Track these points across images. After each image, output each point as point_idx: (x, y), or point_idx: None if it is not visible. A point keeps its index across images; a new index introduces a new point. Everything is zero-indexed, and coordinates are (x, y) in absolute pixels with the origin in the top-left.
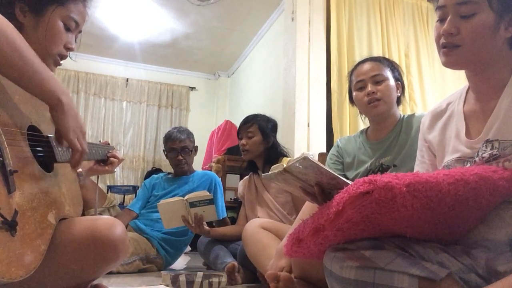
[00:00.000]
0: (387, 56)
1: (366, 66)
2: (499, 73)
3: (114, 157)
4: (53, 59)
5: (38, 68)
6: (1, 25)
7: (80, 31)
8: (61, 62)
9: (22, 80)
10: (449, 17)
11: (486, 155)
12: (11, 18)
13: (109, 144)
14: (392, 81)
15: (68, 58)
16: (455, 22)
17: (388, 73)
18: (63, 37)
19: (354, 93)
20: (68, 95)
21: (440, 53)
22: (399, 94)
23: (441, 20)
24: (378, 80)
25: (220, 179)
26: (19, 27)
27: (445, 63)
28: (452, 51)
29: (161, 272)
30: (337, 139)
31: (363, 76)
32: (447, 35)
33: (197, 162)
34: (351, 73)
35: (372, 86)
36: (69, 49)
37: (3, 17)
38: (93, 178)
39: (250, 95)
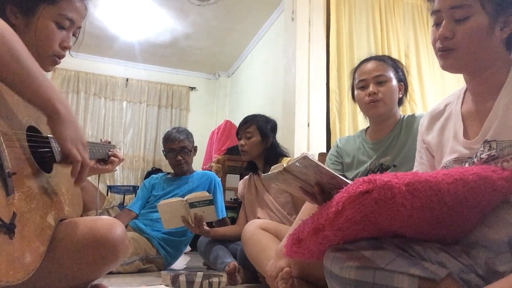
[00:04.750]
0: None
1: (370, 65)
2: (496, 74)
3: (115, 156)
4: (50, 60)
5: (35, 76)
6: (0, 29)
7: (80, 27)
8: (60, 60)
9: (18, 88)
10: (444, 21)
11: (484, 156)
12: (3, 20)
13: (109, 142)
14: (394, 82)
15: (68, 56)
16: (450, 26)
17: (392, 74)
18: (56, 36)
19: (355, 92)
20: (65, 104)
21: (437, 56)
22: (401, 96)
23: (437, 24)
24: (381, 80)
25: (220, 179)
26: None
27: (443, 66)
28: (449, 53)
29: (161, 272)
30: (336, 139)
31: (366, 76)
32: (442, 39)
33: (197, 162)
34: (354, 71)
35: (374, 86)
36: (65, 47)
37: (3, 22)
38: (94, 178)
39: (250, 95)
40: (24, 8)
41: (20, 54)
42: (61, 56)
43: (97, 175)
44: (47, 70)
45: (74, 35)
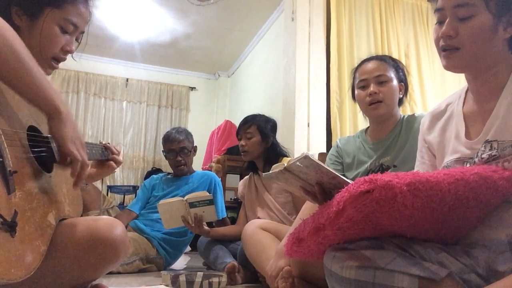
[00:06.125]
0: None
1: (371, 65)
2: (498, 74)
3: (115, 156)
4: (48, 63)
5: (37, 75)
6: (1, 29)
7: (83, 32)
8: (58, 65)
9: (20, 87)
10: (447, 20)
11: (485, 155)
12: (8, 21)
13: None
14: (395, 82)
15: (70, 58)
16: (454, 25)
17: (392, 74)
18: (58, 40)
19: (356, 91)
20: (66, 105)
21: (440, 56)
22: (401, 96)
23: (440, 22)
24: (382, 80)
25: (220, 179)
26: (16, 30)
27: (446, 66)
28: (452, 54)
29: (161, 272)
30: (336, 140)
31: (367, 75)
32: (446, 38)
33: (197, 162)
34: (355, 70)
35: (374, 86)
36: (67, 51)
37: (3, 21)
38: None
39: (250, 95)
40: (30, 10)
41: (20, 53)
42: (60, 60)
43: None
44: (47, 74)
45: (76, 40)
